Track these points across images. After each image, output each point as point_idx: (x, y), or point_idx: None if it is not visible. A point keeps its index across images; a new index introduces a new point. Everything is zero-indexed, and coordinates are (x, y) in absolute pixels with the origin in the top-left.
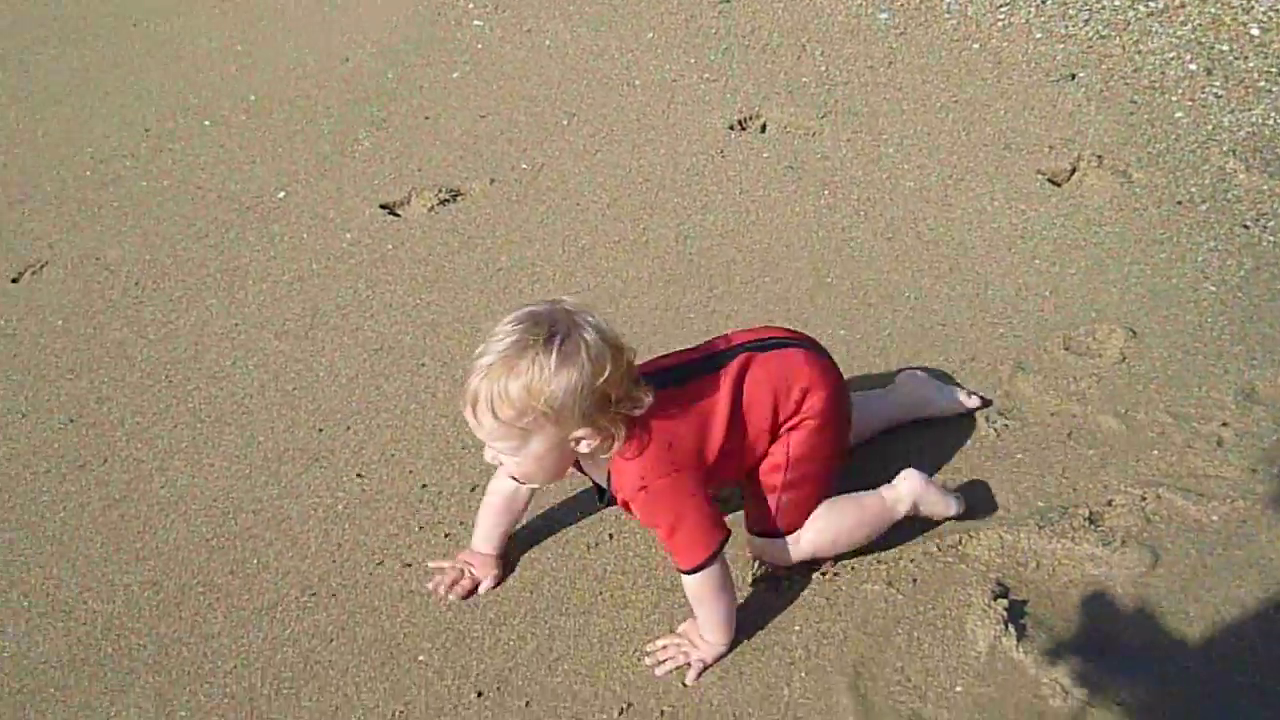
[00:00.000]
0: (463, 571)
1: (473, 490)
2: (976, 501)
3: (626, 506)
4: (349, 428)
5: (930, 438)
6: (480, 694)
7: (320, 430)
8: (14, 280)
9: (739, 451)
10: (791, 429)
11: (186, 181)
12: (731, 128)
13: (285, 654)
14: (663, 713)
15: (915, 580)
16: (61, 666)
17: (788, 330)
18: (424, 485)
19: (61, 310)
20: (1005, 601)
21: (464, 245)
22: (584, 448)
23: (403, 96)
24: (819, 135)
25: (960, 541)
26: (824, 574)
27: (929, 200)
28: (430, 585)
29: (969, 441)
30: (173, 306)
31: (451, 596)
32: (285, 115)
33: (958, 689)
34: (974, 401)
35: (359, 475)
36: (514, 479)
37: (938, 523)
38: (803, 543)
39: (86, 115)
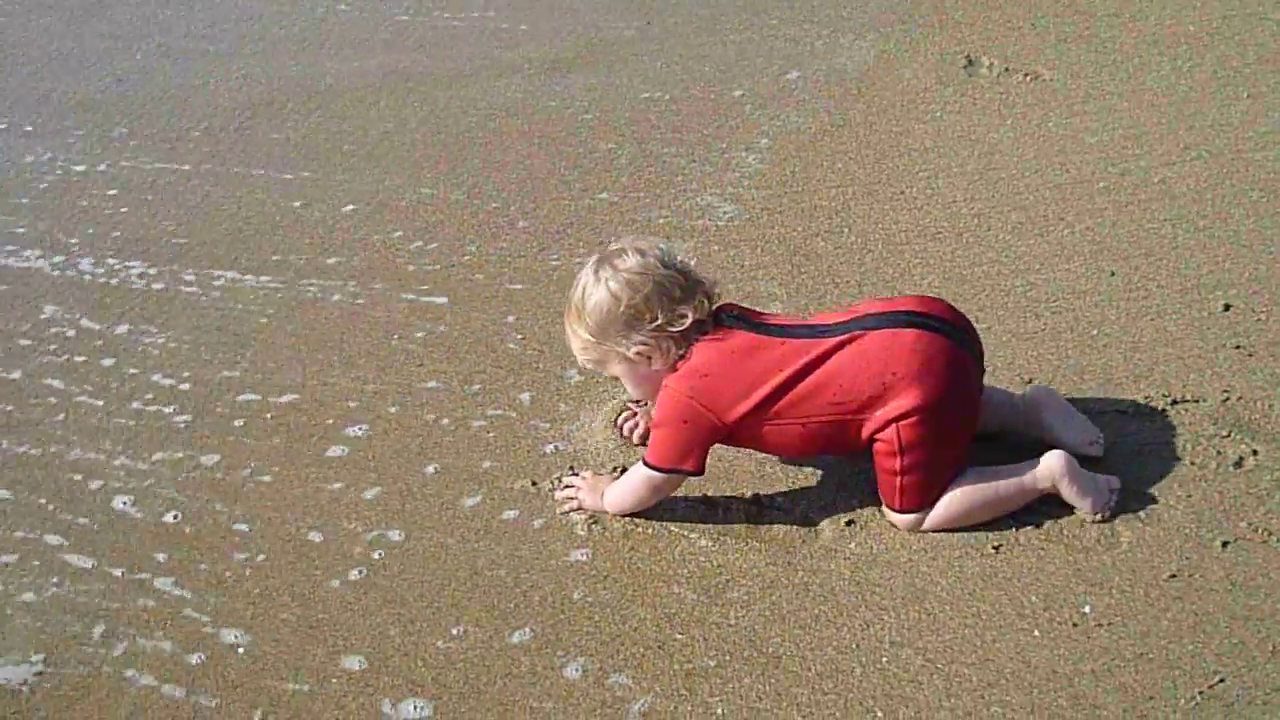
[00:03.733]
0: None
1: None
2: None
3: None
4: None
5: None
6: None
7: None
8: None
9: (787, 427)
10: (896, 420)
11: None
12: None
13: None
14: None
15: None
16: None
17: (931, 304)
18: None
19: None
20: None
21: None
22: (656, 364)
23: None
24: None
25: None
26: None
27: None
28: None
29: None
30: None
31: None
32: None
33: None
34: (1094, 450)
35: None
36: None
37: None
38: (928, 524)
39: None
